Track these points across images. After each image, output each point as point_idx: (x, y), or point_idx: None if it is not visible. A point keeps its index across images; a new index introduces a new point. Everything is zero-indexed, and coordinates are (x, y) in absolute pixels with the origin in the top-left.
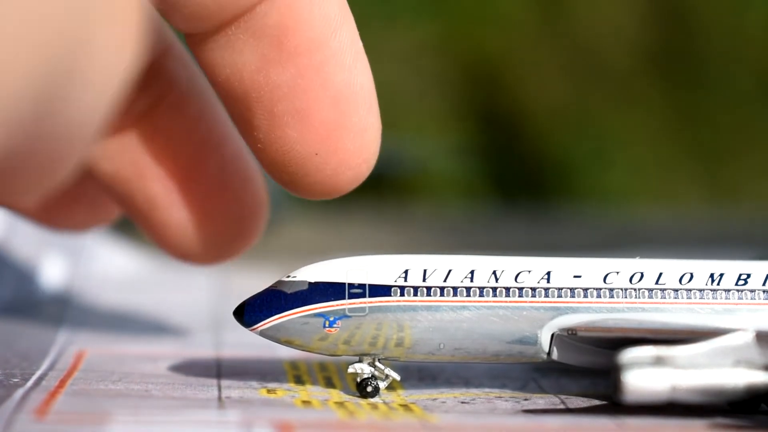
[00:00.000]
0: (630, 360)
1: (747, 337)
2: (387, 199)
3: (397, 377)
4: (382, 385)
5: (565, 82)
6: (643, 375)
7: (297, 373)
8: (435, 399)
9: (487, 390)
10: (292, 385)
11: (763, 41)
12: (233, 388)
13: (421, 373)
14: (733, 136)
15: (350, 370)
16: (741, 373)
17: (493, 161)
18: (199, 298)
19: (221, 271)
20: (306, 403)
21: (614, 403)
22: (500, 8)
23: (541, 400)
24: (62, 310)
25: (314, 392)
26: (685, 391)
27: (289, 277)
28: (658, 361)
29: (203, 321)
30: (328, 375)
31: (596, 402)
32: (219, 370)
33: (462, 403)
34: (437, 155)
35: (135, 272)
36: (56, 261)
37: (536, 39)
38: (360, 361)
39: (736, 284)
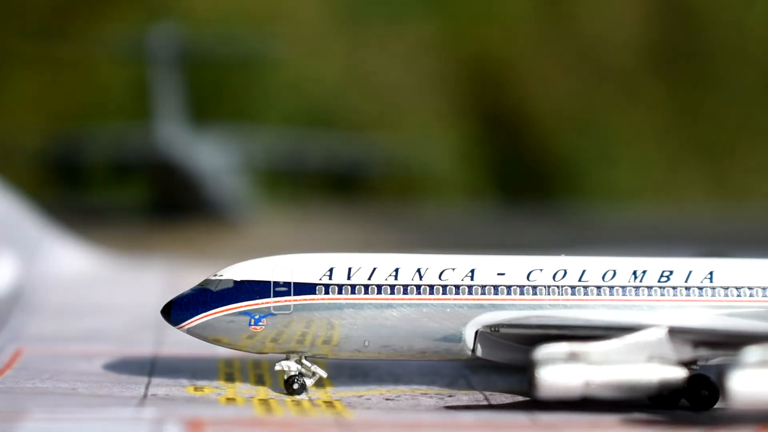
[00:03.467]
0: (544, 356)
1: (660, 333)
2: (363, 199)
3: (324, 374)
4: (309, 382)
5: (569, 81)
6: (557, 371)
7: (229, 371)
8: (361, 396)
9: (415, 387)
10: (221, 383)
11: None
12: (162, 386)
13: (353, 371)
14: (738, 134)
15: (277, 367)
16: (654, 368)
17: (497, 160)
18: (149, 297)
19: (174, 269)
20: (230, 400)
21: (536, 399)
22: (504, 7)
23: (465, 397)
24: (10, 309)
25: (242, 390)
26: (599, 386)
27: (215, 275)
28: (572, 358)
29: (148, 319)
30: (261, 372)
31: (520, 398)
32: (152, 368)
33: (386, 399)
34: (441, 154)
35: (88, 271)
36: (9, 260)
37: (540, 37)
38: (287, 358)
39: (658, 281)
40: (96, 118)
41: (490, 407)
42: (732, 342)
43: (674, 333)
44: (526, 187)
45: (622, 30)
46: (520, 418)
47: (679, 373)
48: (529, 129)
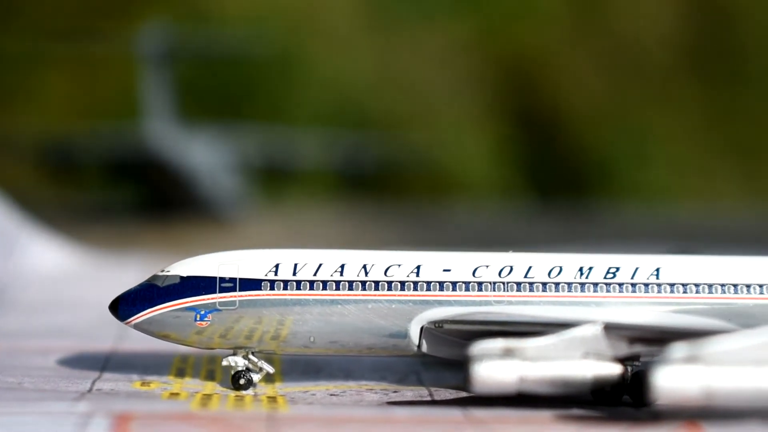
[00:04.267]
0: (479, 352)
1: (595, 329)
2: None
3: (271, 370)
4: (255, 377)
5: (603, 80)
6: (492, 367)
7: (182, 366)
8: (306, 391)
9: (363, 383)
10: (170, 378)
11: None
12: (110, 381)
13: (307, 367)
14: None
15: (224, 363)
16: (589, 364)
17: (531, 159)
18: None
19: (152, 266)
20: (174, 395)
21: (474, 395)
22: (537, 5)
23: (410, 393)
24: None
25: (190, 385)
26: (533, 382)
27: (163, 271)
28: (507, 353)
29: None
30: (213, 368)
31: (464, 394)
32: (106, 363)
33: (331, 395)
34: (475, 153)
35: (66, 268)
36: None
37: (573, 36)
38: (234, 354)
39: (604, 278)
40: (110, 117)
41: (432, 403)
42: (667, 338)
43: (609, 329)
44: (560, 186)
45: (657, 28)
46: (454, 413)
47: (615, 369)
48: (563, 128)
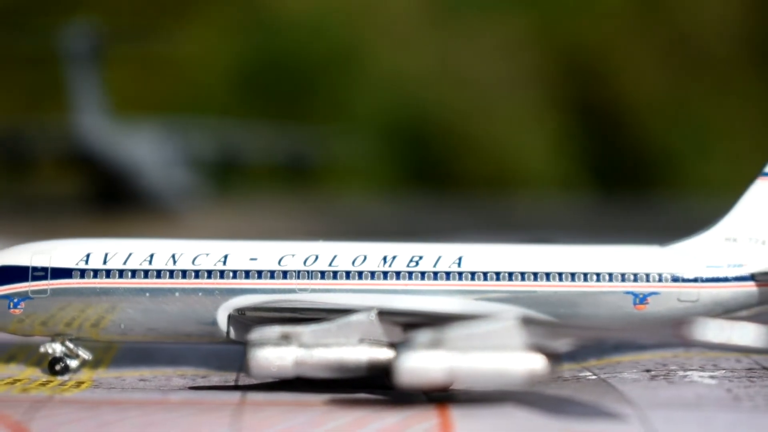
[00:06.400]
0: (257, 338)
1: (369, 315)
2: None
3: (88, 357)
4: (73, 363)
5: (665, 72)
6: (269, 352)
7: (13, 353)
8: (119, 377)
9: (182, 369)
10: None
11: None
12: None
13: (141, 353)
14: None
15: (41, 349)
16: (363, 349)
17: (592, 152)
18: None
19: None
20: None
21: (284, 381)
22: None
23: (216, 378)
24: None
25: (10, 370)
26: (309, 366)
27: None
28: (285, 339)
29: None
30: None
31: (272, 380)
32: None
33: (141, 380)
34: (535, 146)
35: None
36: None
37: (634, 28)
38: (53, 341)
39: (407, 266)
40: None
41: (226, 388)
42: (436, 324)
43: (383, 315)
44: (621, 179)
45: (718, 20)
46: (233, 396)
47: (389, 354)
48: (624, 121)
